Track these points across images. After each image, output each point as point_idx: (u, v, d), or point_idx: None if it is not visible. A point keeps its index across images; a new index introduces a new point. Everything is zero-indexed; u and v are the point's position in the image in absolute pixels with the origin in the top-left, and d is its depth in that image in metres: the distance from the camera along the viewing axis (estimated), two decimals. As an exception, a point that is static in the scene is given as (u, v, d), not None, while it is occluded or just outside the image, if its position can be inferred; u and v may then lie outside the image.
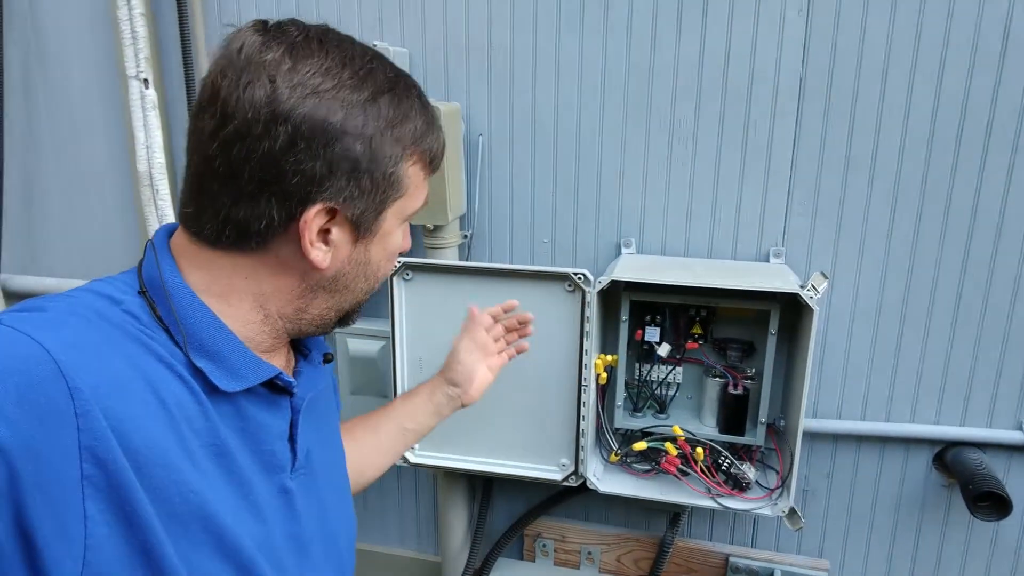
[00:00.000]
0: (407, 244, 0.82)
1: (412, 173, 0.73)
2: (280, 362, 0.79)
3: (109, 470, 0.57)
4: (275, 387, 0.76)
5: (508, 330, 1.18)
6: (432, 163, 0.76)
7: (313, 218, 0.68)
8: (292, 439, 0.78)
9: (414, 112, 0.72)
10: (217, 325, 0.70)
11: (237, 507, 0.69)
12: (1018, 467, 1.32)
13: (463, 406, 1.15)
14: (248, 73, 0.64)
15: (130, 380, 0.61)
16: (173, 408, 0.64)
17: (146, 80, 1.39)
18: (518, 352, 1.18)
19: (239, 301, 0.72)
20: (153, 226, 1.45)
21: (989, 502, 1.22)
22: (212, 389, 0.68)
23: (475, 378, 1.13)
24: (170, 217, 1.45)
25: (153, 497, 0.60)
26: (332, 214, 0.69)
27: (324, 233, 0.70)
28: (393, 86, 0.71)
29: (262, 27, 0.68)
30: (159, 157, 1.42)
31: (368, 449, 1.08)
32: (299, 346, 0.86)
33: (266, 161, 0.64)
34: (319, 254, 0.70)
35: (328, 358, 0.89)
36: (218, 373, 0.68)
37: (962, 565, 1.39)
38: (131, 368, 0.62)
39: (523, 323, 1.17)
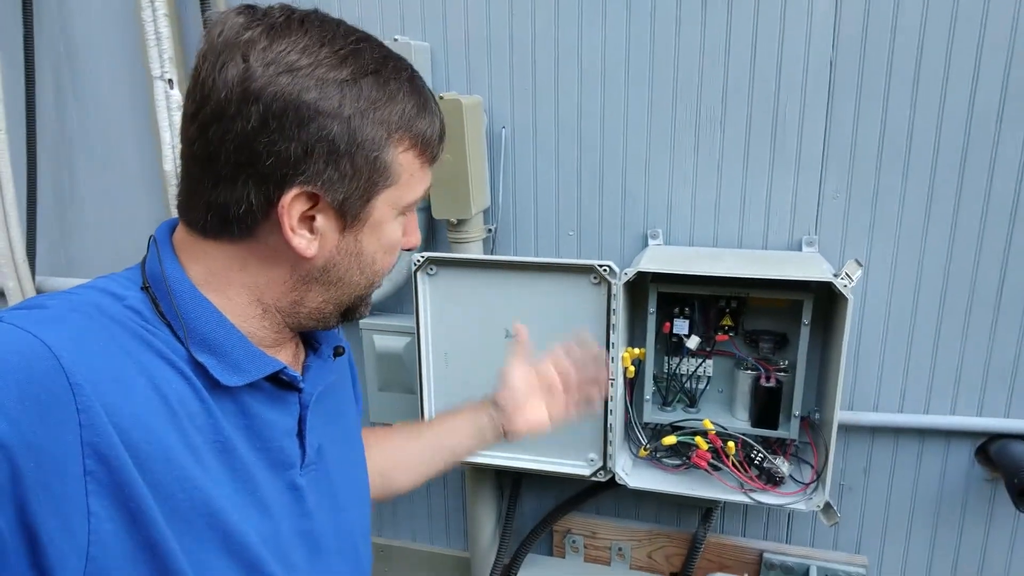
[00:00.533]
0: (413, 240, 0.78)
1: (405, 161, 0.70)
2: (286, 357, 0.78)
3: (111, 466, 0.57)
4: (281, 383, 0.75)
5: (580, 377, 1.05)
6: (427, 149, 0.72)
7: (291, 203, 0.66)
8: (301, 435, 0.77)
9: (402, 94, 0.69)
10: (218, 319, 0.69)
11: (242, 503, 0.68)
12: (1066, 460, 1.27)
13: (505, 436, 1.04)
14: (225, 54, 0.63)
15: (132, 376, 0.61)
16: (175, 404, 0.63)
17: (170, 80, 1.40)
18: (584, 407, 1.06)
19: (237, 295, 0.71)
20: (181, 225, 1.46)
21: (1035, 497, 1.18)
22: (214, 384, 0.67)
23: (526, 411, 1.03)
24: (197, 216, 1.46)
25: (156, 493, 0.60)
26: (314, 200, 0.67)
27: (309, 220, 0.68)
28: (380, 67, 0.68)
29: (245, 9, 0.66)
30: (185, 157, 1.43)
31: (403, 455, 1.06)
32: (309, 340, 0.84)
33: (240, 142, 0.63)
34: (303, 241, 0.68)
35: (339, 351, 0.86)
36: (219, 367, 0.67)
37: (1008, 562, 1.35)
38: (133, 364, 0.62)
39: (597, 366, 1.05)
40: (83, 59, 1.58)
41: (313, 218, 0.68)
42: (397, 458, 1.04)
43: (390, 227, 0.72)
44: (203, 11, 1.41)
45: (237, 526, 0.67)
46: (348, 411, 0.95)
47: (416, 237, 0.79)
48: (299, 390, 0.77)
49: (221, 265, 0.70)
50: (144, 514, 0.59)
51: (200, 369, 0.67)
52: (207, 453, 0.66)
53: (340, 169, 0.66)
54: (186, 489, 0.63)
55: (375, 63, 0.68)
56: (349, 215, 0.69)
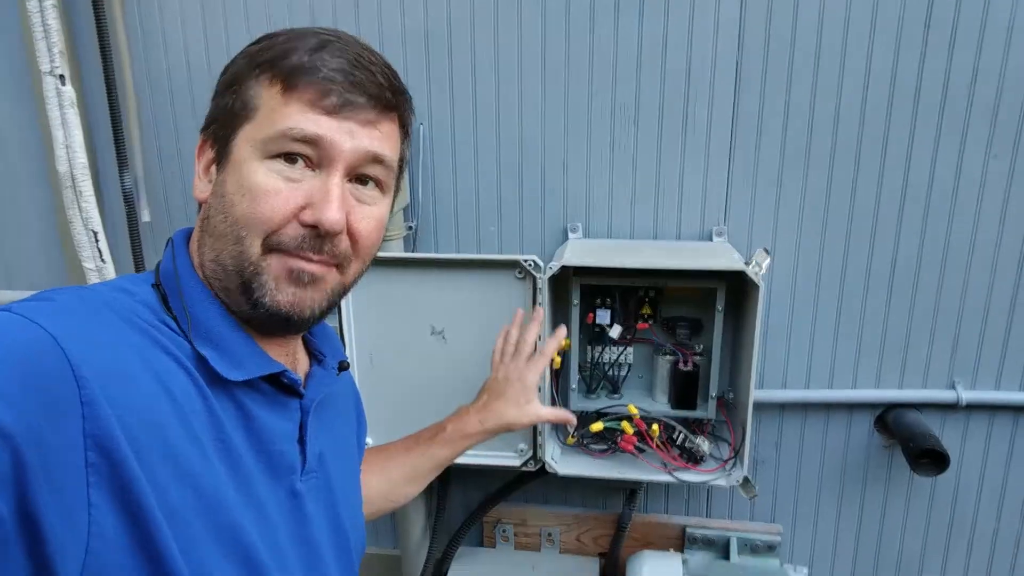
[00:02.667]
0: (317, 212, 0.68)
1: (266, 96, 0.68)
2: (288, 364, 0.78)
3: (113, 459, 0.56)
4: (282, 387, 0.75)
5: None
6: (290, 81, 0.68)
7: (199, 149, 0.73)
8: (302, 441, 0.77)
9: (285, 38, 0.70)
10: (224, 315, 0.71)
11: (242, 503, 0.68)
12: (952, 424, 1.39)
13: (502, 424, 1.12)
14: None
15: (137, 371, 0.61)
16: (180, 399, 0.63)
17: (62, 76, 1.31)
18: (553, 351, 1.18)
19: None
20: (79, 230, 1.37)
21: (928, 459, 1.28)
22: (214, 380, 0.68)
23: (509, 390, 1.13)
24: (96, 220, 1.38)
25: (156, 489, 0.59)
26: (207, 143, 0.73)
27: (211, 165, 0.73)
28: (290, 31, 0.72)
29: None
30: (81, 157, 1.35)
31: (401, 470, 1.09)
32: (314, 351, 0.85)
33: None
34: (200, 184, 0.73)
35: (343, 366, 0.87)
36: (220, 360, 0.68)
37: (904, 519, 1.46)
38: (138, 359, 0.62)
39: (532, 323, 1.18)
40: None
41: (212, 162, 0.72)
42: (393, 475, 1.08)
43: (249, 167, 0.68)
44: (95, 3, 1.33)
45: (238, 524, 0.66)
46: (347, 428, 0.94)
47: (323, 210, 0.68)
48: (300, 395, 0.77)
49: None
50: (143, 510, 0.58)
51: (202, 365, 0.67)
52: (210, 449, 0.65)
53: (218, 105, 0.72)
54: (189, 485, 0.62)
55: (289, 31, 0.72)
56: (221, 153, 0.71)
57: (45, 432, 0.53)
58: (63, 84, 1.31)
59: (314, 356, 0.85)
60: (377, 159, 0.72)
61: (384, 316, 1.31)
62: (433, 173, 1.39)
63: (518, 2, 1.29)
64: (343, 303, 1.30)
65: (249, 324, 0.73)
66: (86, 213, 1.36)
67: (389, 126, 0.73)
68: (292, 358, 0.80)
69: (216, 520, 0.64)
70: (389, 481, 1.08)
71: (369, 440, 1.38)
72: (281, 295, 0.70)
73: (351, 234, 0.72)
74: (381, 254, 1.30)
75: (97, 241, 1.37)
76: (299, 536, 0.75)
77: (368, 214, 0.73)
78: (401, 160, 0.78)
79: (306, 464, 0.77)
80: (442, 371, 1.32)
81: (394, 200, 0.80)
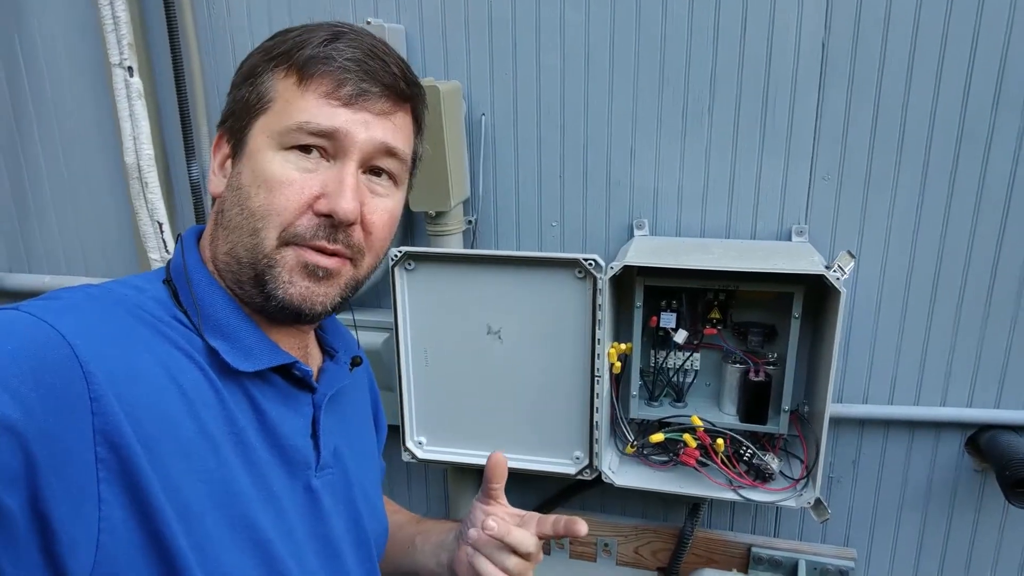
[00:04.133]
0: (332, 202, 0.68)
1: (281, 88, 0.69)
2: (300, 359, 0.77)
3: (122, 455, 0.57)
4: (293, 379, 0.75)
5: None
6: (305, 72, 0.68)
7: (215, 144, 0.74)
8: (315, 436, 0.76)
9: (296, 32, 0.71)
10: (233, 306, 0.71)
11: (258, 497, 0.68)
12: (1056, 450, 1.26)
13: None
14: None
15: (147, 366, 0.61)
16: (191, 393, 0.64)
17: (130, 68, 1.33)
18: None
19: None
20: (144, 221, 1.40)
21: (1027, 488, 1.16)
22: (226, 373, 0.68)
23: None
24: (161, 211, 1.40)
25: (166, 485, 0.59)
26: (223, 138, 0.73)
27: (226, 160, 0.73)
28: (305, 26, 0.72)
29: None
30: (147, 148, 1.37)
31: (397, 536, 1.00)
32: (326, 347, 0.85)
33: None
34: (214, 180, 0.73)
35: (356, 361, 0.87)
36: (232, 352, 0.68)
37: (996, 553, 1.34)
38: (148, 354, 0.62)
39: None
40: (37, 45, 1.50)
41: (228, 157, 0.72)
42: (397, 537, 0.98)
43: (264, 157, 0.68)
44: (164, -7, 1.34)
45: (253, 517, 0.66)
46: (364, 423, 0.93)
47: (337, 200, 0.68)
48: (312, 389, 0.77)
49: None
50: (153, 505, 0.58)
51: (213, 358, 0.68)
52: (224, 443, 0.65)
53: (233, 103, 0.72)
54: (201, 480, 0.62)
55: (303, 25, 0.72)
56: (236, 146, 0.71)
57: (55, 428, 0.53)
58: (131, 76, 1.33)
59: (326, 352, 0.86)
60: (391, 152, 0.72)
61: (440, 313, 1.28)
62: (495, 166, 1.35)
63: (586, -12, 1.23)
64: (399, 299, 1.27)
65: (261, 315, 0.73)
66: (151, 204, 1.38)
67: (403, 118, 0.74)
68: (304, 352, 0.80)
69: (230, 514, 0.65)
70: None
71: (423, 439, 1.35)
72: (294, 288, 0.70)
73: (364, 225, 0.72)
74: (439, 249, 1.27)
75: (162, 232, 1.39)
76: (316, 532, 0.75)
77: (382, 206, 0.73)
78: (415, 155, 0.78)
79: (320, 459, 0.76)
80: (497, 372, 1.28)
81: (408, 195, 0.80)
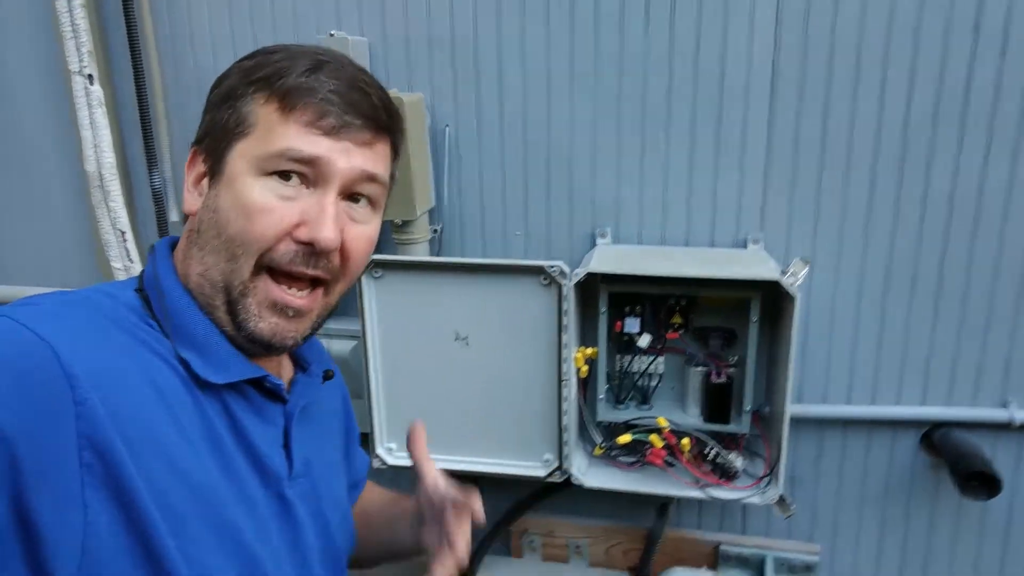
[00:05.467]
0: (313, 230, 0.67)
1: (262, 113, 0.68)
2: (272, 371, 0.77)
3: (107, 460, 0.57)
4: (265, 392, 0.75)
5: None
6: (287, 101, 0.68)
7: (189, 161, 0.73)
8: (287, 447, 0.77)
9: (281, 57, 0.70)
10: (205, 322, 0.71)
11: (237, 501, 0.68)
12: (1004, 445, 1.31)
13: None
14: None
15: (127, 370, 0.61)
16: (170, 397, 0.64)
17: (90, 76, 1.31)
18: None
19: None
20: (106, 229, 1.38)
21: (978, 481, 1.20)
22: (199, 384, 0.68)
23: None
24: (124, 220, 1.38)
25: (151, 487, 0.59)
26: (198, 156, 0.72)
27: (200, 178, 0.72)
28: (282, 48, 0.72)
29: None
30: (108, 157, 1.35)
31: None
32: (299, 360, 0.85)
33: None
34: (189, 198, 0.72)
35: (328, 375, 0.87)
36: (203, 365, 0.68)
37: (952, 545, 1.38)
38: (127, 358, 0.62)
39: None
40: (-6, 53, 1.48)
41: (203, 175, 0.72)
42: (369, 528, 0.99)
43: (243, 184, 0.68)
44: (124, 2, 1.33)
45: (234, 521, 0.66)
46: (334, 435, 0.93)
47: (319, 228, 0.68)
48: (283, 401, 0.77)
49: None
50: (138, 508, 0.58)
51: (186, 367, 0.67)
52: (203, 448, 0.66)
53: (211, 122, 0.71)
54: (184, 483, 0.62)
55: (283, 48, 0.72)
56: (214, 168, 0.70)
57: (39, 433, 0.53)
58: (91, 83, 1.31)
59: (299, 364, 0.86)
60: (371, 177, 0.72)
61: (408, 320, 1.28)
62: (459, 176, 1.36)
63: (546, 4, 1.25)
64: (367, 306, 1.28)
65: (231, 339, 0.73)
66: (114, 213, 1.37)
67: (383, 147, 0.75)
68: (276, 365, 0.81)
69: (213, 517, 0.65)
70: None
71: (392, 445, 1.36)
72: (264, 323, 0.71)
73: (343, 252, 0.72)
74: (405, 257, 1.28)
75: (125, 241, 1.38)
76: (289, 540, 0.75)
77: (361, 233, 0.74)
78: (391, 178, 0.79)
79: (293, 470, 0.77)
80: (466, 377, 1.29)
81: (384, 213, 0.80)
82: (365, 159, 0.71)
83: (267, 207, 0.67)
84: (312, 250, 0.69)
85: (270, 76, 0.69)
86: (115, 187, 1.36)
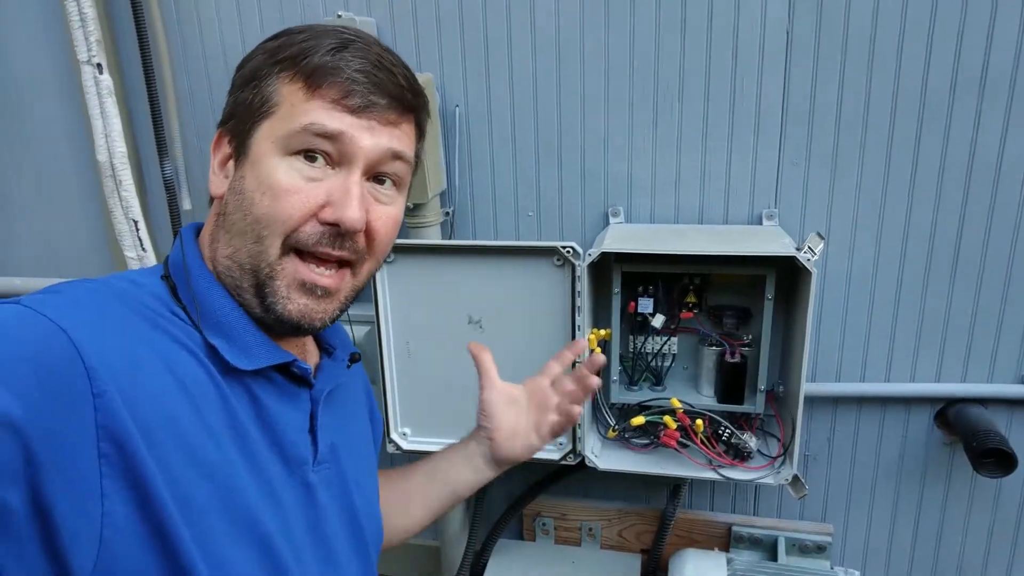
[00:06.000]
0: (338, 211, 0.68)
1: (287, 92, 0.69)
2: (298, 355, 0.78)
3: (125, 450, 0.57)
4: (292, 377, 0.75)
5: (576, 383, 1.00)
6: (313, 79, 0.68)
7: (215, 144, 0.73)
8: (313, 431, 0.77)
9: (305, 37, 0.70)
10: (232, 305, 0.71)
11: (258, 492, 0.68)
12: (1020, 421, 1.31)
13: (496, 464, 1.02)
14: None
15: (147, 360, 0.61)
16: (191, 387, 0.64)
17: (99, 65, 1.31)
18: (571, 420, 1.00)
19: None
20: (119, 219, 1.38)
21: (993, 458, 1.20)
22: (226, 370, 0.68)
23: (512, 435, 1.00)
24: (136, 209, 1.38)
25: (168, 479, 0.59)
26: (223, 138, 0.73)
27: (227, 160, 0.72)
28: (308, 28, 0.72)
29: None
30: (120, 146, 1.35)
31: (396, 495, 1.03)
32: (323, 344, 0.86)
33: None
34: (215, 180, 0.73)
35: (355, 358, 0.87)
36: (231, 350, 0.68)
37: (966, 523, 1.38)
38: (148, 349, 0.62)
39: (590, 372, 0.99)
40: (2, 42, 1.47)
41: (229, 157, 0.72)
42: (390, 500, 1.00)
43: (269, 164, 0.68)
44: (131, -11, 1.33)
45: (254, 513, 0.67)
46: (360, 420, 0.94)
47: (343, 209, 0.68)
48: (310, 385, 0.77)
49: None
50: (156, 500, 0.58)
51: (213, 354, 0.68)
52: (224, 437, 0.66)
53: (235, 103, 0.71)
54: (203, 474, 0.62)
55: (308, 28, 0.72)
56: (239, 149, 0.70)
57: (57, 424, 0.53)
58: (100, 73, 1.31)
59: (324, 349, 0.86)
60: (396, 155, 0.73)
61: (421, 304, 1.29)
62: (470, 157, 1.36)
63: (557, -21, 1.24)
64: (380, 291, 1.28)
65: (259, 322, 0.73)
66: (126, 202, 1.37)
67: (408, 126, 0.75)
68: (302, 350, 0.81)
69: (232, 509, 0.65)
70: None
71: (407, 430, 1.36)
72: (292, 304, 0.71)
73: (368, 233, 0.73)
74: (417, 241, 1.28)
75: (137, 230, 1.38)
76: (313, 527, 0.75)
77: (386, 214, 0.74)
78: (416, 159, 0.79)
79: (318, 455, 0.77)
80: (479, 361, 1.29)
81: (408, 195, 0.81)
82: (391, 137, 0.71)
83: (293, 187, 0.68)
84: (338, 231, 0.69)
85: (295, 55, 0.68)
86: (127, 176, 1.36)
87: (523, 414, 1.01)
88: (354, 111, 0.68)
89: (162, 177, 1.43)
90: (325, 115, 0.68)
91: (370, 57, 0.70)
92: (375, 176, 0.73)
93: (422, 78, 1.23)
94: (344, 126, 0.68)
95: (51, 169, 1.54)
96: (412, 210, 1.30)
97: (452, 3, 1.29)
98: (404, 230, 1.34)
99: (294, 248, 0.70)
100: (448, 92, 1.32)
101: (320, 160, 0.69)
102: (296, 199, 0.68)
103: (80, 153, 1.50)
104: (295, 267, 0.70)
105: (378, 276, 1.27)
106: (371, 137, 0.69)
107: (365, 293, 1.30)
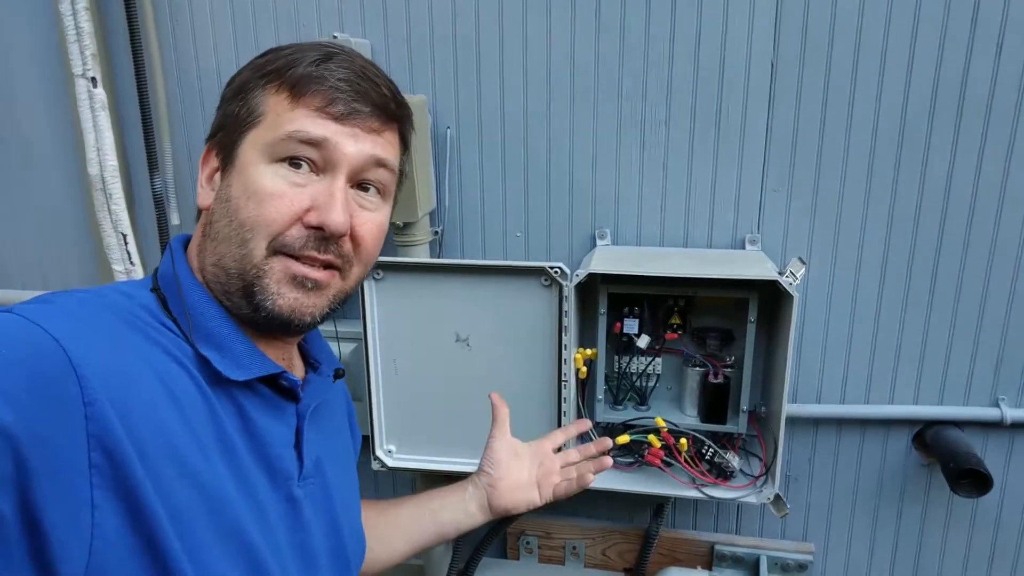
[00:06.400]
0: (322, 215, 0.69)
1: (272, 102, 0.70)
2: (286, 368, 0.78)
3: (116, 460, 0.57)
4: (279, 390, 0.76)
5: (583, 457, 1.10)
6: (297, 88, 0.70)
7: (203, 158, 0.75)
8: (299, 446, 0.77)
9: (288, 51, 0.72)
10: (224, 317, 0.72)
11: (245, 505, 0.68)
12: (995, 443, 1.34)
13: (490, 509, 1.05)
14: None
15: (139, 371, 0.61)
16: (183, 400, 0.64)
17: (94, 79, 1.32)
18: (582, 486, 1.08)
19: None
20: (108, 232, 1.38)
21: (970, 479, 1.23)
22: (215, 381, 0.68)
23: (512, 485, 1.05)
24: (125, 223, 1.39)
25: (159, 489, 0.59)
26: (211, 151, 0.74)
27: (214, 173, 0.74)
28: (294, 44, 0.74)
29: None
30: (111, 160, 1.36)
31: (382, 524, 1.03)
32: (309, 359, 0.86)
33: None
34: (203, 192, 0.74)
35: (339, 373, 0.88)
36: (223, 361, 0.69)
37: (943, 542, 1.40)
38: (139, 359, 0.62)
39: (600, 453, 1.09)
40: (-5, 56, 1.48)
41: (216, 170, 0.74)
42: (376, 529, 1.01)
43: (254, 170, 0.70)
44: (127, 4, 1.34)
45: (242, 525, 0.67)
46: (343, 436, 0.94)
47: (328, 212, 0.70)
48: (297, 399, 0.77)
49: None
50: (146, 510, 0.58)
51: (203, 365, 0.68)
52: (212, 450, 0.66)
53: (223, 117, 0.73)
54: (192, 485, 0.62)
55: (294, 44, 0.74)
56: (225, 160, 0.72)
57: (48, 433, 0.53)
58: (95, 87, 1.32)
59: (309, 364, 0.86)
60: (380, 162, 0.74)
61: (408, 322, 1.30)
62: (460, 178, 1.37)
63: (547, 4, 1.27)
64: (368, 308, 1.29)
65: (248, 326, 0.74)
66: (115, 216, 1.37)
67: (391, 135, 0.76)
68: (288, 364, 0.81)
69: (220, 520, 0.65)
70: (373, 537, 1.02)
71: (392, 447, 1.37)
72: (283, 299, 0.71)
73: (354, 238, 0.74)
74: (406, 259, 1.29)
75: (126, 244, 1.38)
76: (297, 542, 0.76)
77: (370, 219, 0.75)
78: (401, 171, 0.80)
79: (303, 470, 0.77)
80: (466, 379, 1.30)
81: (393, 210, 0.82)
82: (374, 144, 0.73)
83: (277, 192, 0.69)
84: (323, 234, 0.70)
85: (281, 67, 0.70)
86: (117, 190, 1.36)
87: (525, 470, 1.06)
88: (337, 118, 0.70)
89: (152, 192, 1.43)
90: (309, 122, 0.69)
91: (354, 68, 0.72)
92: (359, 184, 0.74)
93: (415, 99, 1.25)
94: (328, 133, 0.70)
95: (40, 181, 1.54)
96: (402, 228, 1.31)
97: (446, 27, 1.31)
98: (393, 248, 1.35)
99: (280, 252, 0.70)
100: (440, 114, 1.35)
101: (304, 167, 0.70)
102: (281, 203, 0.69)
103: (69, 165, 1.50)
104: (284, 264, 0.71)
105: (367, 293, 1.28)
106: (354, 144, 0.71)
107: (353, 310, 1.32)
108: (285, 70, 0.70)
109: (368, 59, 0.76)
